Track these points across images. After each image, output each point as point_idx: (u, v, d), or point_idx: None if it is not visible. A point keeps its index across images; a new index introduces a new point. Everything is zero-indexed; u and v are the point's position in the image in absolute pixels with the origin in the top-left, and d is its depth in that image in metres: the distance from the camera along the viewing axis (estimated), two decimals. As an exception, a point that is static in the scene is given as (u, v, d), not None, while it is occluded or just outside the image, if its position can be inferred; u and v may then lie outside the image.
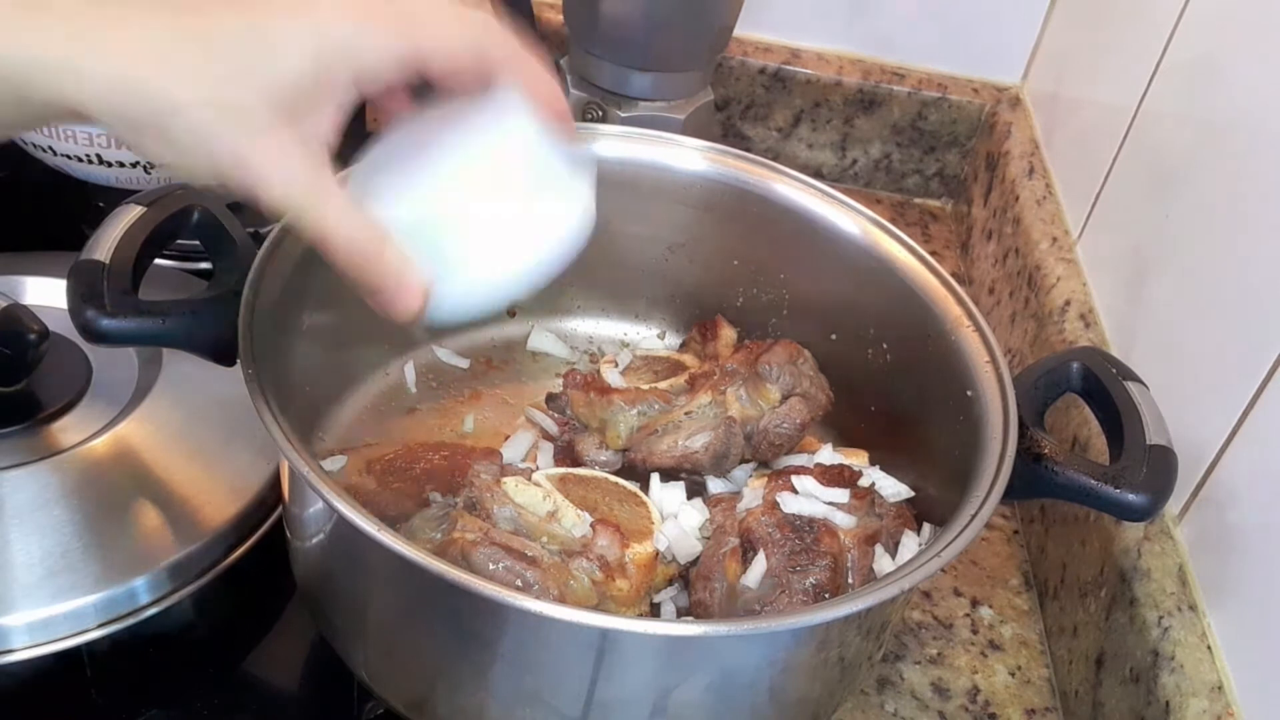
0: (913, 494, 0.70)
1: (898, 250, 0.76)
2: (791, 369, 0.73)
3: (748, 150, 0.88)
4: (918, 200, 1.24)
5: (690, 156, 0.81)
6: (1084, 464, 0.62)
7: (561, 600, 0.58)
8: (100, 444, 0.69)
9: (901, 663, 0.76)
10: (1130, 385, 0.65)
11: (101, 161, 0.87)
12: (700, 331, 0.80)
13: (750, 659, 0.57)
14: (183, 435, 0.71)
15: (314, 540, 0.62)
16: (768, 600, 0.62)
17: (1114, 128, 0.91)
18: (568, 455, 0.76)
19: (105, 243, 0.62)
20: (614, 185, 0.82)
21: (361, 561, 0.58)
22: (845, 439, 0.79)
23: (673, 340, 0.88)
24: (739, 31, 1.07)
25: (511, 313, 0.87)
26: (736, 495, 0.70)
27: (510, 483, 0.64)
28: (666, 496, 0.70)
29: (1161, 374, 0.71)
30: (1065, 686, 0.76)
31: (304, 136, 0.49)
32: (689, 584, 0.66)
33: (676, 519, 0.68)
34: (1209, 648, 0.65)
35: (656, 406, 0.73)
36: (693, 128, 1.00)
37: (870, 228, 0.77)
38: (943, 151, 1.21)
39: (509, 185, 0.55)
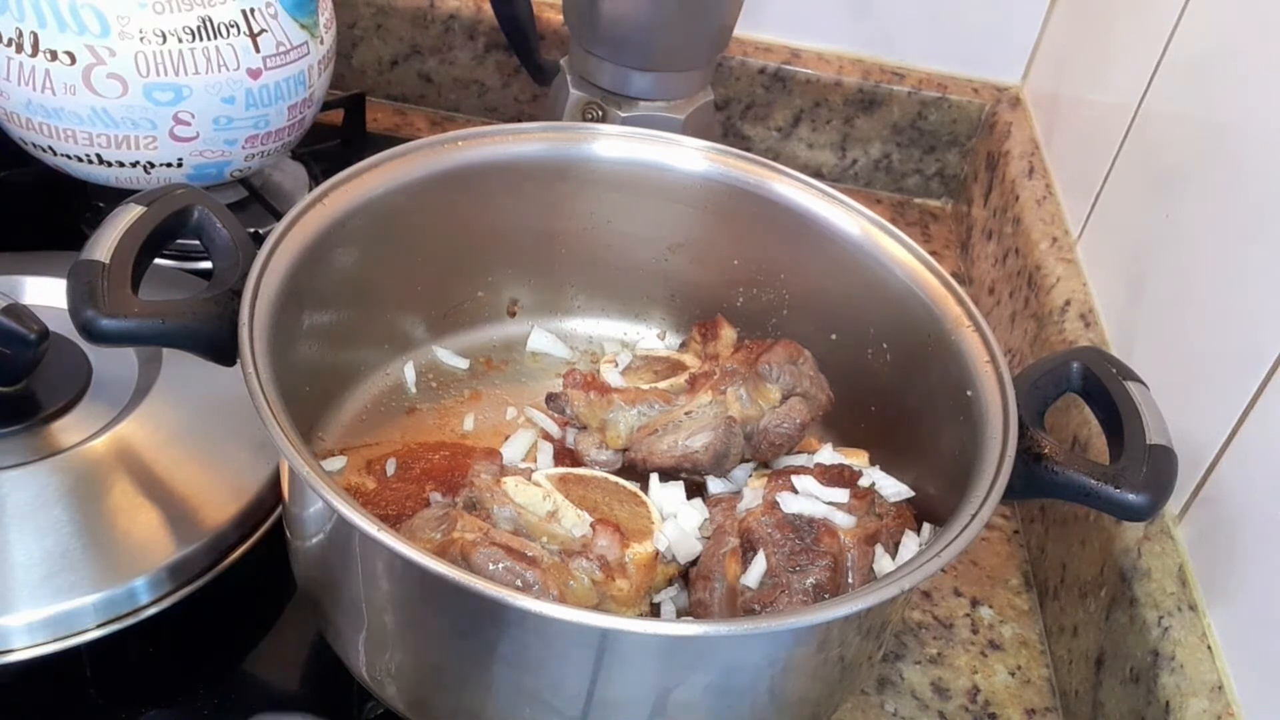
0: (913, 494, 0.70)
1: (898, 250, 0.76)
2: (791, 369, 0.73)
3: (748, 150, 0.88)
4: (918, 200, 1.24)
5: (690, 156, 0.81)
6: (1084, 464, 0.62)
7: (561, 600, 0.58)
8: (100, 444, 0.69)
9: (901, 663, 0.76)
10: (1130, 385, 0.65)
11: (101, 161, 0.87)
12: (700, 331, 0.80)
13: (750, 659, 0.57)
14: (183, 435, 0.71)
15: (314, 540, 0.62)
16: (767, 600, 0.62)
17: (1114, 128, 0.91)
18: (568, 455, 0.76)
19: (105, 243, 0.62)
20: (614, 185, 0.83)
21: (361, 561, 0.58)
22: (845, 439, 0.79)
23: (673, 340, 0.88)
24: (739, 31, 1.07)
25: (511, 312, 0.87)
26: (736, 495, 0.70)
27: (510, 483, 0.64)
28: (666, 496, 0.70)
29: (1161, 374, 0.71)
30: (1065, 686, 0.76)
31: None
32: (689, 584, 0.66)
33: (676, 519, 0.68)
34: (1209, 648, 0.65)
35: (656, 406, 0.73)
36: (693, 128, 1.00)
37: (870, 228, 0.77)
38: (943, 151, 1.21)
39: None
